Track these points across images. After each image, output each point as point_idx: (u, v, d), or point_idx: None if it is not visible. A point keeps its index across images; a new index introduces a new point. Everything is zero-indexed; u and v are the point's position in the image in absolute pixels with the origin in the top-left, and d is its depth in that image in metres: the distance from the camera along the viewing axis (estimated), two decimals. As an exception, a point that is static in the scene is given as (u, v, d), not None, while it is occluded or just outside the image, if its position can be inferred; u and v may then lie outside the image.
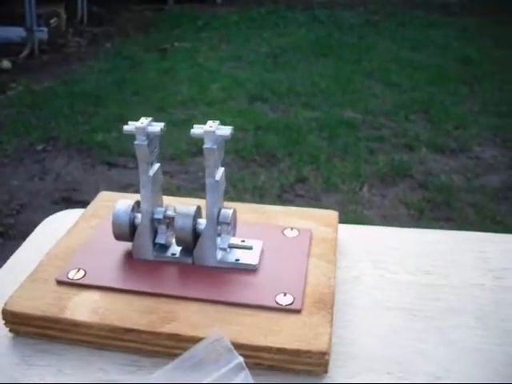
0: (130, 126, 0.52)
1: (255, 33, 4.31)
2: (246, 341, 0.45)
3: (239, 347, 0.42)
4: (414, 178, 2.37)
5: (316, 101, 3.10)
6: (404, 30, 4.36)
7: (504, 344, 0.49)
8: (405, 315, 0.52)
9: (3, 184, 2.31)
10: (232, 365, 0.39)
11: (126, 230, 0.54)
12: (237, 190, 2.22)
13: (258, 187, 2.28)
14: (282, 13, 4.84)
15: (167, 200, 0.57)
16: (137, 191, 0.55)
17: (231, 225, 0.54)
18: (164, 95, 3.14)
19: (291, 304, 0.49)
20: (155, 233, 0.55)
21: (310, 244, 0.57)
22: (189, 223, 0.53)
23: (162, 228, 0.55)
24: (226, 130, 0.51)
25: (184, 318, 0.47)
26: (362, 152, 2.56)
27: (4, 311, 0.49)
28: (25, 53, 3.70)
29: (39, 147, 2.59)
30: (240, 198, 2.10)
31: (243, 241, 0.55)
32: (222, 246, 0.54)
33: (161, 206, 0.56)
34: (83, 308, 0.49)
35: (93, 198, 0.66)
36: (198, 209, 0.55)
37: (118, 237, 0.55)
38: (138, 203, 0.55)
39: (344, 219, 0.63)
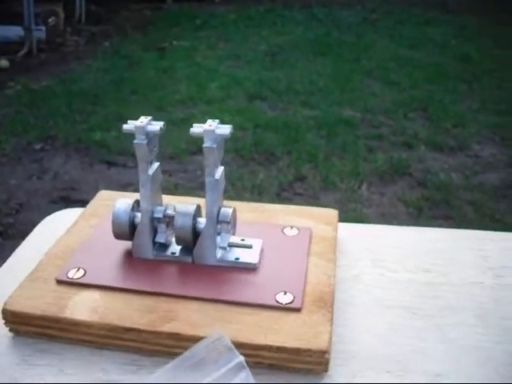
0: (130, 125, 0.51)
1: (253, 31, 4.30)
2: (246, 340, 0.45)
3: (239, 346, 0.42)
4: (413, 176, 2.37)
5: (315, 99, 3.10)
6: (402, 28, 4.36)
7: (504, 342, 0.49)
8: (404, 313, 0.52)
9: (1, 183, 2.31)
10: (233, 364, 0.38)
11: (126, 229, 0.54)
12: (236, 189, 2.22)
13: (256, 186, 2.28)
14: (280, 11, 4.84)
15: (167, 199, 0.57)
16: (136, 190, 0.55)
17: (231, 224, 0.54)
18: (163, 94, 3.14)
19: (291, 303, 0.49)
20: (155, 232, 0.55)
21: (310, 242, 0.57)
22: (188, 222, 0.53)
23: (161, 227, 0.55)
24: (226, 129, 0.51)
25: (184, 317, 0.47)
26: (361, 150, 2.56)
27: (4, 311, 0.49)
28: (23, 52, 3.69)
29: (37, 146, 2.59)
30: (239, 197, 2.10)
31: (243, 239, 0.55)
32: (221, 245, 0.54)
33: (160, 205, 0.56)
34: (83, 307, 0.48)
35: (91, 197, 0.66)
36: (198, 208, 0.55)
37: (118, 236, 0.55)
38: (137, 202, 0.55)
39: (343, 217, 0.63)
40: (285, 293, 0.50)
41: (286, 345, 0.45)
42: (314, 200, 2.17)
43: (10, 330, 0.49)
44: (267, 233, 0.58)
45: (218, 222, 0.53)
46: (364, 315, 0.52)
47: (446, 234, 0.65)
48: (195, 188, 2.22)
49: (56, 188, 2.28)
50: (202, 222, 0.54)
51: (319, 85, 3.29)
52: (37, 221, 0.67)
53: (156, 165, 0.54)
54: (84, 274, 0.52)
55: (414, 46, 3.95)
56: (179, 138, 2.51)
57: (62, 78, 3.38)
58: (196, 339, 0.43)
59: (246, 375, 0.39)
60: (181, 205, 0.54)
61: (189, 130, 0.51)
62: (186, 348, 0.42)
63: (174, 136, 2.51)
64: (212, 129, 0.50)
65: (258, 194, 2.21)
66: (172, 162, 2.43)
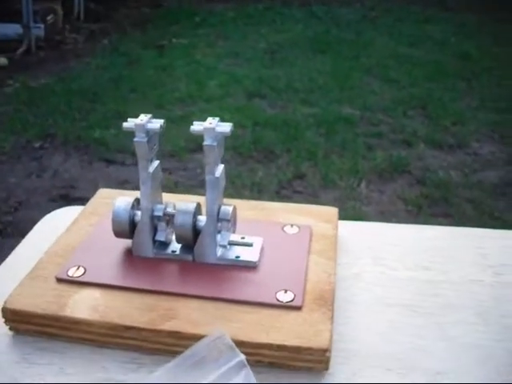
0: (130, 123, 0.51)
1: (252, 29, 4.30)
2: (246, 338, 0.45)
3: (240, 344, 0.42)
4: (412, 174, 2.37)
5: (314, 97, 3.10)
6: (401, 26, 4.35)
7: (504, 340, 0.49)
8: (405, 311, 0.52)
9: (1, 181, 2.31)
10: (234, 363, 0.38)
11: (126, 228, 0.54)
12: (235, 187, 2.22)
13: (256, 183, 2.28)
14: (279, 9, 4.83)
15: (167, 197, 0.57)
16: (135, 188, 0.55)
17: (231, 222, 0.53)
18: (162, 92, 3.13)
19: (292, 301, 0.49)
20: (155, 230, 0.54)
21: (310, 241, 0.57)
22: (189, 220, 0.53)
23: (161, 225, 0.55)
24: (226, 127, 0.51)
25: (184, 316, 0.47)
26: (360, 148, 2.56)
27: (4, 309, 0.48)
28: (21, 49, 3.68)
29: (36, 144, 2.59)
30: (238, 195, 2.09)
31: (243, 238, 0.55)
32: (222, 243, 0.54)
33: (160, 203, 0.56)
34: (83, 306, 0.48)
35: (91, 195, 0.65)
36: (198, 206, 0.54)
37: (118, 234, 0.55)
38: (137, 200, 0.55)
39: (342, 215, 0.63)
40: (285, 291, 0.49)
41: (286, 343, 0.45)
42: (313, 198, 2.17)
43: (10, 329, 0.49)
44: (267, 231, 0.58)
45: (219, 220, 0.53)
46: (364, 313, 0.52)
47: (445, 232, 0.65)
48: (195, 186, 2.22)
49: (55, 186, 2.28)
50: (202, 220, 0.53)
51: (318, 82, 3.28)
52: (36, 219, 0.66)
53: (156, 163, 0.54)
54: (84, 273, 0.52)
55: (413, 44, 3.94)
56: (178, 136, 2.50)
57: (61, 75, 3.37)
58: (196, 337, 0.43)
59: (246, 374, 0.39)
60: (181, 203, 0.54)
61: (188, 127, 0.51)
62: (186, 346, 0.41)
63: (174, 134, 2.50)
64: (212, 127, 0.50)
65: (258, 192, 2.21)
66: (172, 159, 2.43)
